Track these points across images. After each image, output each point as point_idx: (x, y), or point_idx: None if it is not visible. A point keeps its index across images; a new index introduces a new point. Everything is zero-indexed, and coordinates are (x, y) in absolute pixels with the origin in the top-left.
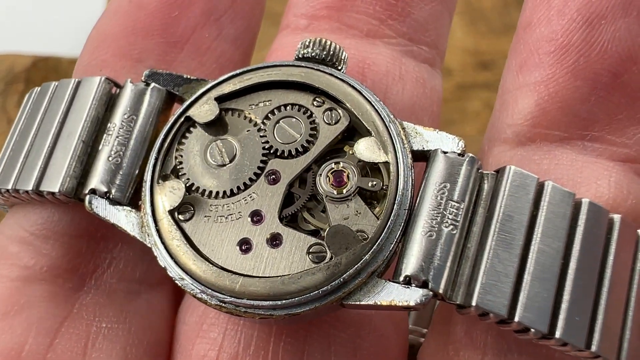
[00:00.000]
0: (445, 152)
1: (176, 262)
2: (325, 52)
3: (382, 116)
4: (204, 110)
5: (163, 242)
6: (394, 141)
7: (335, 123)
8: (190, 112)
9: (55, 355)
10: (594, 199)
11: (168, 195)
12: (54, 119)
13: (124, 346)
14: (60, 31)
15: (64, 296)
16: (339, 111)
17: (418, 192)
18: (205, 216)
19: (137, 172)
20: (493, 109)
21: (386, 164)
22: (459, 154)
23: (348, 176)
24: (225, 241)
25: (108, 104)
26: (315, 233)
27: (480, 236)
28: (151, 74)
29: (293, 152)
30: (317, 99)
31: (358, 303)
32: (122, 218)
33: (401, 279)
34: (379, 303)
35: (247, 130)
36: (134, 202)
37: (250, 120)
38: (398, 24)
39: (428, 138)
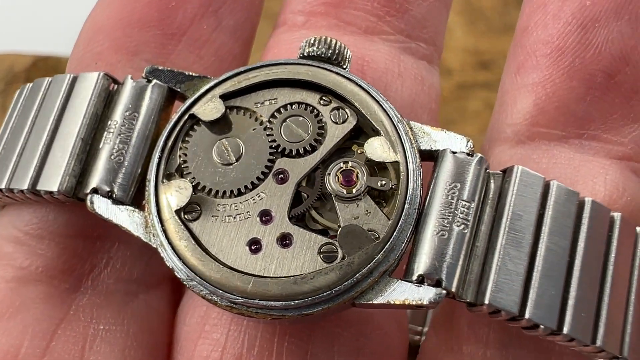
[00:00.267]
0: (454, 152)
1: (184, 263)
2: (331, 51)
3: (390, 116)
4: (209, 108)
5: (170, 243)
6: (403, 141)
7: (343, 122)
8: (194, 110)
9: (52, 358)
10: (590, 196)
11: (174, 194)
12: (49, 116)
13: (122, 348)
14: (60, 31)
15: (60, 297)
16: (346, 110)
17: (427, 192)
18: (212, 216)
19: (139, 170)
20: (493, 109)
21: (395, 163)
22: (468, 154)
23: (357, 175)
24: (234, 241)
25: (106, 100)
26: (323, 232)
27: (490, 235)
28: (152, 70)
29: (301, 151)
30: (324, 97)
31: (370, 302)
32: (125, 218)
33: (414, 278)
34: (392, 302)
35: (253, 129)
36: (137, 201)
37: (256, 119)
38: (396, 21)
39: (436, 138)
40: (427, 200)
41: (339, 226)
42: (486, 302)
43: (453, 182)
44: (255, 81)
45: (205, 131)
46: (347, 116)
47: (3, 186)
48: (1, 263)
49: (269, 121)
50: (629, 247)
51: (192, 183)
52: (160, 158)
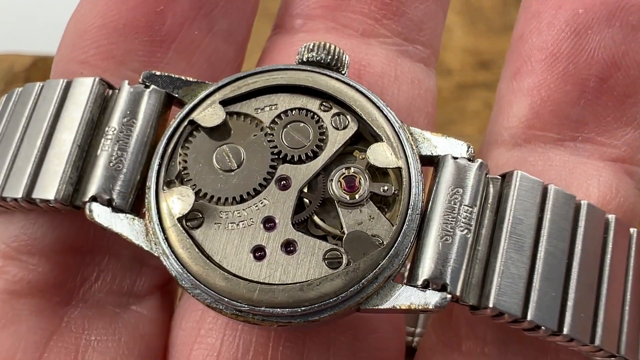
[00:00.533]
0: (455, 158)
1: (188, 272)
2: (330, 57)
3: (391, 122)
4: (209, 114)
5: (173, 251)
6: (404, 147)
7: (344, 128)
8: (194, 116)
9: None
10: (584, 198)
11: (176, 202)
12: (43, 122)
13: (114, 357)
14: (60, 31)
15: (52, 310)
16: (347, 116)
17: (428, 197)
18: (215, 223)
19: (139, 177)
20: (492, 112)
21: (397, 169)
22: (469, 159)
23: (360, 181)
24: (238, 248)
25: (102, 106)
26: (325, 238)
27: (491, 239)
28: (149, 76)
29: (303, 157)
30: (324, 103)
31: (376, 307)
32: (126, 226)
33: (419, 282)
34: (398, 307)
35: (254, 135)
36: (136, 209)
37: (257, 125)
38: (393, 24)
39: (436, 143)
40: (429, 206)
41: (342, 232)
42: (490, 305)
43: (455, 188)
44: (255, 87)
45: (205, 137)
46: (348, 122)
47: None
48: None
49: (270, 127)
50: (624, 248)
51: (193, 190)
52: (160, 165)
